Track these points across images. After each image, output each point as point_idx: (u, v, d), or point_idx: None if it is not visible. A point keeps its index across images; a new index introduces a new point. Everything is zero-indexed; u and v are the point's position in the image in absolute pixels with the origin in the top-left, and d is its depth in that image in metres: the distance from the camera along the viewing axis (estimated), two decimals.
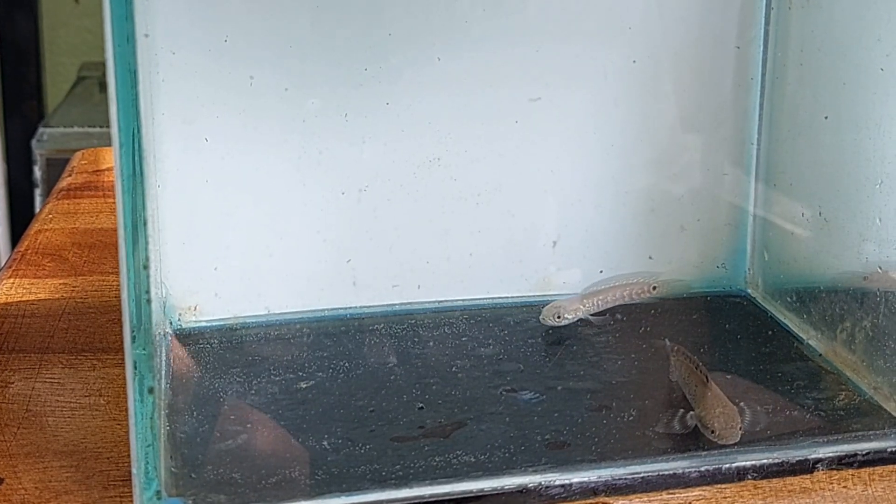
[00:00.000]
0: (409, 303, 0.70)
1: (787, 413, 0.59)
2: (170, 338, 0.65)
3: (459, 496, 0.52)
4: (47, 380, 0.63)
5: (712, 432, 0.55)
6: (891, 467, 0.57)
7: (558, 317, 0.66)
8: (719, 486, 0.55)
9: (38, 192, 1.80)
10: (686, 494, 0.54)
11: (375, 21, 0.65)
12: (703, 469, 0.55)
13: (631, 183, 0.71)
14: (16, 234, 1.91)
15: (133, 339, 0.50)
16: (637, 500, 0.54)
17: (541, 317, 0.67)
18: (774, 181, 0.70)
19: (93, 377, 0.63)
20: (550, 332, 0.67)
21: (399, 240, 0.69)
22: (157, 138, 0.63)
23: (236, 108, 0.64)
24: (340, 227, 0.68)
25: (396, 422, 0.57)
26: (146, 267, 0.53)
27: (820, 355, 0.65)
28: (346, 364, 0.63)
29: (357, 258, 0.68)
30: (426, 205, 0.69)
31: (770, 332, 0.68)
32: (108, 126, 0.49)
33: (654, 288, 0.70)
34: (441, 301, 0.70)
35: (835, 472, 0.56)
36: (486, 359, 0.64)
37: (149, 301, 0.53)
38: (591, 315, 0.67)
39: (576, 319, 0.67)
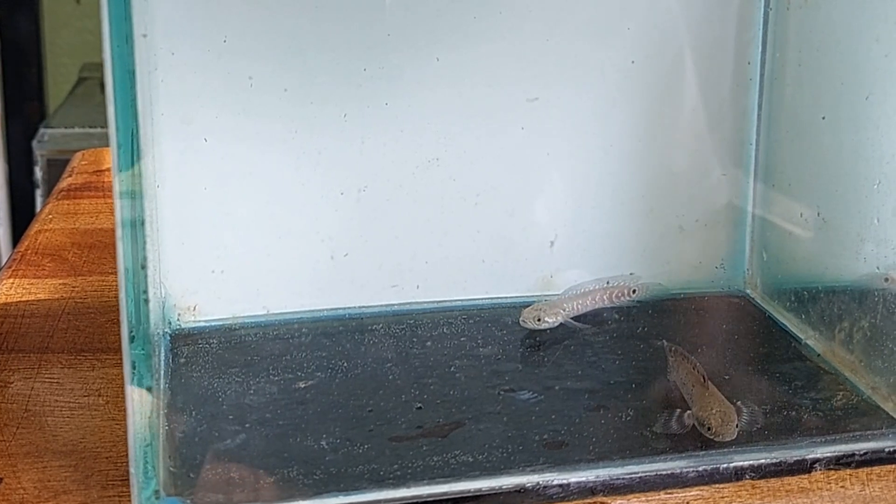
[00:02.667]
0: (408, 303, 0.70)
1: (785, 413, 0.59)
2: (168, 338, 0.65)
3: (457, 496, 0.52)
4: (46, 380, 0.63)
5: (709, 429, 0.55)
6: (888, 467, 0.57)
7: (538, 319, 0.66)
8: (717, 485, 0.55)
9: (38, 192, 1.80)
10: (684, 494, 0.54)
11: (374, 21, 0.65)
12: (700, 469, 0.55)
13: (630, 183, 0.71)
14: (17, 234, 1.91)
15: (131, 339, 0.50)
16: (635, 499, 0.54)
17: (521, 319, 0.67)
18: (773, 181, 0.70)
19: (92, 377, 0.63)
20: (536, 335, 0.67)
21: (398, 240, 0.69)
22: (156, 138, 0.63)
23: (235, 109, 0.64)
24: (339, 227, 0.68)
25: (395, 422, 0.57)
26: (144, 267, 0.53)
27: (818, 355, 0.65)
28: (345, 364, 0.63)
29: (356, 258, 0.68)
30: (425, 205, 0.69)
31: (768, 332, 0.68)
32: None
33: (634, 291, 0.70)
34: (440, 301, 0.70)
35: (833, 472, 0.56)
36: (485, 359, 0.64)
37: (147, 301, 0.53)
38: (572, 318, 0.67)
39: (556, 324, 0.67)
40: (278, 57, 0.64)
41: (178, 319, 0.66)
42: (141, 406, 0.52)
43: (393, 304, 0.70)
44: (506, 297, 0.71)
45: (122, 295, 0.49)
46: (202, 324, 0.66)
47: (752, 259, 0.73)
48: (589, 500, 0.54)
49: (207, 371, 0.62)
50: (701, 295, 0.73)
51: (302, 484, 0.52)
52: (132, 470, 0.50)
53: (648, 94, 0.70)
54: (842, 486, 0.55)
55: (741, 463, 0.55)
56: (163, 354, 0.63)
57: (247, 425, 0.56)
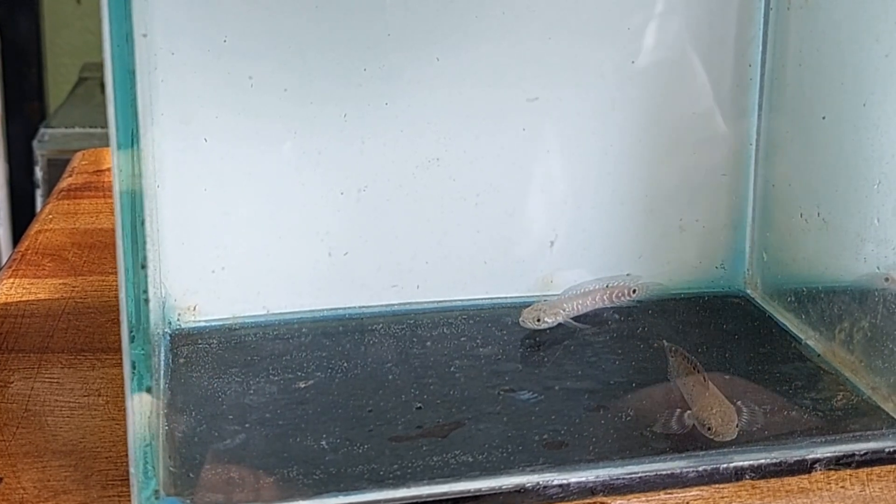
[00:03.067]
0: (408, 303, 0.70)
1: (786, 413, 0.59)
2: (168, 338, 0.65)
3: (457, 496, 0.52)
4: (46, 379, 0.63)
5: (709, 429, 0.55)
6: (889, 467, 0.57)
7: (538, 320, 0.66)
8: (717, 486, 0.55)
9: (39, 192, 1.80)
10: (684, 494, 0.54)
11: (375, 21, 0.65)
12: (700, 469, 0.55)
13: (629, 183, 0.71)
14: (17, 234, 1.91)
15: (131, 338, 0.50)
16: (635, 499, 0.54)
17: (520, 319, 0.66)
18: (773, 182, 0.70)
19: (92, 377, 0.63)
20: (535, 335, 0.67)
21: (398, 240, 0.69)
22: (156, 138, 0.63)
23: (235, 109, 0.64)
24: (339, 227, 0.68)
25: (394, 422, 0.57)
26: (144, 267, 0.53)
27: (818, 355, 0.65)
28: (345, 364, 0.63)
29: (356, 258, 0.68)
30: (425, 205, 0.69)
31: (769, 333, 0.68)
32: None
33: (634, 291, 0.70)
34: (440, 301, 0.70)
35: (833, 472, 0.56)
36: (485, 359, 0.64)
37: (147, 301, 0.53)
38: (572, 318, 0.67)
39: (555, 323, 0.67)
40: (278, 57, 0.64)
41: (178, 319, 0.66)
42: (141, 406, 0.52)
43: (393, 304, 0.69)
44: (506, 297, 0.71)
45: (122, 295, 0.49)
46: (202, 324, 0.66)
47: (753, 259, 0.73)
48: (589, 500, 0.54)
49: (207, 371, 0.62)
50: (701, 295, 0.73)
51: (302, 484, 0.52)
52: (132, 470, 0.50)
53: (648, 93, 0.70)
54: (842, 487, 0.55)
55: (741, 463, 0.55)
56: (163, 354, 0.63)
57: (247, 425, 0.56)
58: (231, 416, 0.57)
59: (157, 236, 0.64)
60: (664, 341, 0.64)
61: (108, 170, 1.00)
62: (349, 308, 0.69)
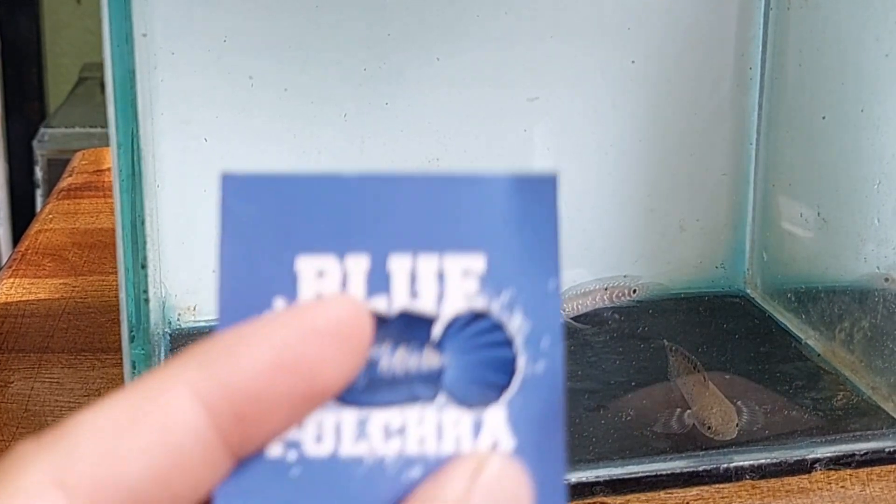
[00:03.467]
0: None
1: (786, 413, 0.59)
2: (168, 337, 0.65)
3: None
4: (47, 379, 0.63)
5: (709, 428, 0.55)
6: (889, 467, 0.57)
7: None
8: (717, 485, 0.55)
9: (39, 192, 1.80)
10: (684, 494, 0.54)
11: (375, 21, 0.65)
12: (700, 469, 0.55)
13: (630, 183, 0.71)
14: (17, 234, 1.91)
15: (132, 338, 0.50)
16: (635, 499, 0.54)
17: None
18: (773, 182, 0.70)
19: (92, 377, 0.63)
20: None
21: None
22: (156, 138, 0.63)
23: (235, 108, 0.64)
24: None
25: None
26: (144, 266, 0.53)
27: (818, 355, 0.65)
28: None
29: None
30: None
31: (769, 332, 0.68)
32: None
33: (634, 291, 0.70)
34: None
35: (833, 471, 0.56)
36: None
37: (147, 301, 0.53)
38: (572, 318, 0.67)
39: None
40: (278, 56, 0.64)
41: (178, 319, 0.66)
42: None
43: None
44: None
45: (122, 295, 0.49)
46: (202, 324, 0.66)
47: (753, 259, 0.73)
48: (589, 500, 0.54)
49: None
50: (701, 295, 0.73)
51: None
52: None
53: (648, 94, 0.70)
54: (842, 487, 0.55)
55: (741, 463, 0.55)
56: (163, 354, 0.63)
57: None
58: None
59: (157, 236, 0.64)
60: (664, 341, 0.64)
61: (108, 170, 1.00)
62: None
